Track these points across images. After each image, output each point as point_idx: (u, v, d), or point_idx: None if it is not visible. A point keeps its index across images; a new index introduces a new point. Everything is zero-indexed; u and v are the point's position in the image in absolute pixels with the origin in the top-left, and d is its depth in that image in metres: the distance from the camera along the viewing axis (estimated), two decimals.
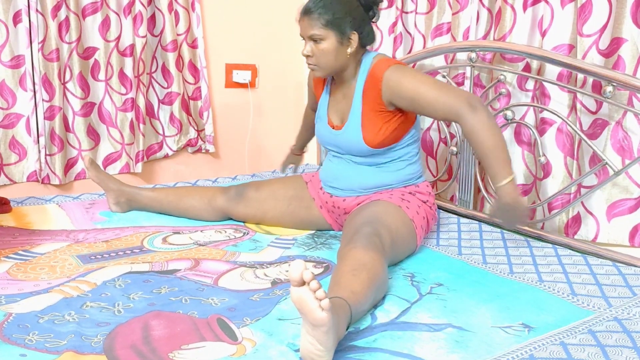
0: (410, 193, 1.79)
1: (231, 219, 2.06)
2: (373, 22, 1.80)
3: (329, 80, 1.90)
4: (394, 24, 2.55)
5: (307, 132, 2.30)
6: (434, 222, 1.88)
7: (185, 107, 2.71)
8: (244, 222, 2.05)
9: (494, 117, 1.66)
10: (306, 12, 1.70)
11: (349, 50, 1.72)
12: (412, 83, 1.67)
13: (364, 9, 1.75)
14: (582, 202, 1.95)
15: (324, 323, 1.08)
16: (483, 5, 2.21)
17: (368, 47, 1.83)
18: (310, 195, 1.96)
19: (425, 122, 2.48)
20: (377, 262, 1.42)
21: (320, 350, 1.12)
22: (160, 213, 2.09)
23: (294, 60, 3.01)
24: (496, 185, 1.62)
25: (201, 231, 1.94)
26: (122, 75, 2.51)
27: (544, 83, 2.03)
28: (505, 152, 1.62)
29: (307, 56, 1.73)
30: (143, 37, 2.51)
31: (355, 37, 1.72)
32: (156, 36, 2.61)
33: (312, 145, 3.04)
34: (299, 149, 2.37)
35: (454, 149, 2.29)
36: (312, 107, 2.14)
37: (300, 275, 1.07)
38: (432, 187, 2.44)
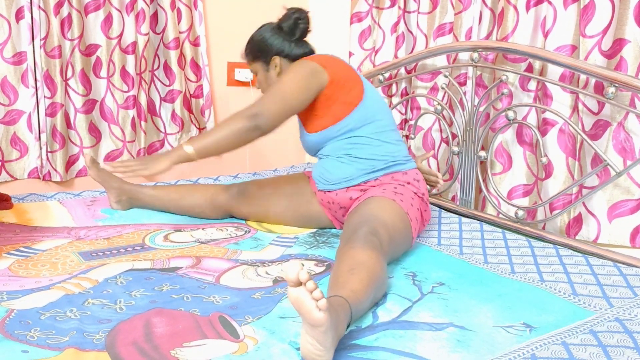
0: (400, 184, 1.78)
1: (233, 216, 2.06)
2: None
3: None
4: (396, 24, 2.56)
5: None
6: (428, 215, 1.86)
7: (187, 105, 2.71)
8: (245, 220, 2.05)
9: (247, 122, 1.71)
10: (242, 57, 2.05)
11: (277, 70, 1.94)
12: (281, 78, 1.82)
13: (286, 34, 1.95)
14: (583, 203, 1.95)
15: (322, 323, 1.09)
16: (486, 6, 2.22)
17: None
18: (312, 189, 1.97)
19: (426, 121, 2.48)
20: (375, 261, 1.42)
21: (319, 350, 1.12)
22: (162, 211, 2.09)
23: None
24: (185, 143, 1.70)
25: (202, 229, 1.94)
26: (124, 72, 2.51)
27: (546, 84, 2.03)
28: (212, 137, 1.71)
29: (257, 88, 2.02)
30: (145, 34, 2.51)
31: (277, 60, 1.94)
32: (158, 34, 2.61)
33: None
34: None
35: (456, 148, 2.29)
36: None
37: (297, 276, 1.08)
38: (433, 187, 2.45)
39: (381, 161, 1.82)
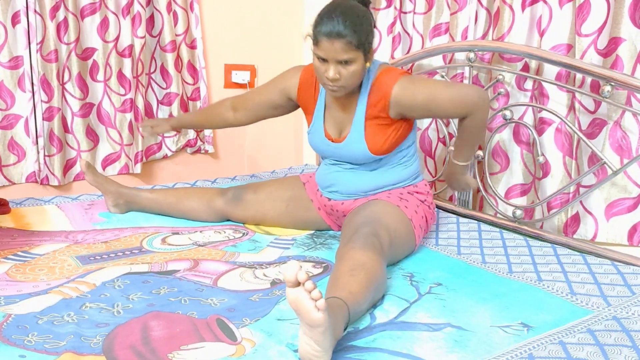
0: (409, 192, 1.79)
1: (230, 220, 2.06)
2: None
3: (322, 91, 1.84)
4: (392, 24, 2.55)
5: (203, 121, 2.20)
6: (433, 222, 1.88)
7: (184, 107, 2.70)
8: (243, 223, 2.05)
9: (488, 112, 1.78)
10: (337, 35, 1.57)
11: (368, 64, 1.68)
12: (426, 93, 1.69)
13: None
14: (580, 202, 1.95)
15: (321, 323, 1.09)
16: (481, 5, 2.22)
17: None
18: (308, 196, 1.96)
19: (424, 122, 2.48)
20: (375, 263, 1.42)
21: (317, 351, 1.12)
22: (160, 214, 2.08)
23: (292, 60, 3.01)
24: (456, 161, 1.87)
25: (200, 232, 1.94)
26: (120, 76, 2.51)
27: (543, 83, 2.03)
28: (477, 145, 1.87)
29: (334, 79, 1.63)
30: (142, 37, 2.51)
31: (372, 51, 1.68)
32: (155, 37, 2.61)
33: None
34: (175, 124, 2.24)
35: (453, 149, 2.29)
36: (244, 106, 2.03)
37: (295, 276, 1.08)
38: (431, 187, 2.45)
39: (399, 176, 1.82)
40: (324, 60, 1.62)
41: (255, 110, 2.02)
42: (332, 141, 1.82)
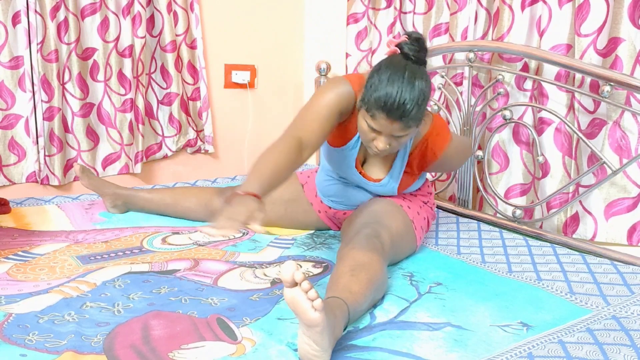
0: (411, 194, 1.80)
1: None
2: None
3: None
4: (392, 25, 2.56)
5: (285, 177, 1.53)
6: (433, 220, 1.89)
7: (185, 107, 2.71)
8: None
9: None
10: (399, 117, 1.41)
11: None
12: (454, 152, 1.72)
13: None
14: (580, 201, 1.95)
15: (318, 323, 1.09)
16: (481, 6, 2.22)
17: None
18: (307, 199, 1.96)
19: None
20: (376, 263, 1.43)
21: (316, 351, 1.13)
22: (158, 214, 2.08)
23: (293, 60, 3.01)
24: None
25: (201, 231, 1.94)
26: (121, 75, 2.51)
27: (542, 83, 2.03)
28: None
29: (384, 150, 1.52)
30: (142, 37, 2.51)
31: None
32: (155, 37, 2.61)
33: None
34: (261, 193, 1.39)
35: None
36: (312, 143, 1.57)
37: (292, 277, 1.08)
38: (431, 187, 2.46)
39: (408, 189, 1.81)
40: (374, 129, 1.49)
41: (319, 145, 1.63)
42: (364, 176, 1.73)
